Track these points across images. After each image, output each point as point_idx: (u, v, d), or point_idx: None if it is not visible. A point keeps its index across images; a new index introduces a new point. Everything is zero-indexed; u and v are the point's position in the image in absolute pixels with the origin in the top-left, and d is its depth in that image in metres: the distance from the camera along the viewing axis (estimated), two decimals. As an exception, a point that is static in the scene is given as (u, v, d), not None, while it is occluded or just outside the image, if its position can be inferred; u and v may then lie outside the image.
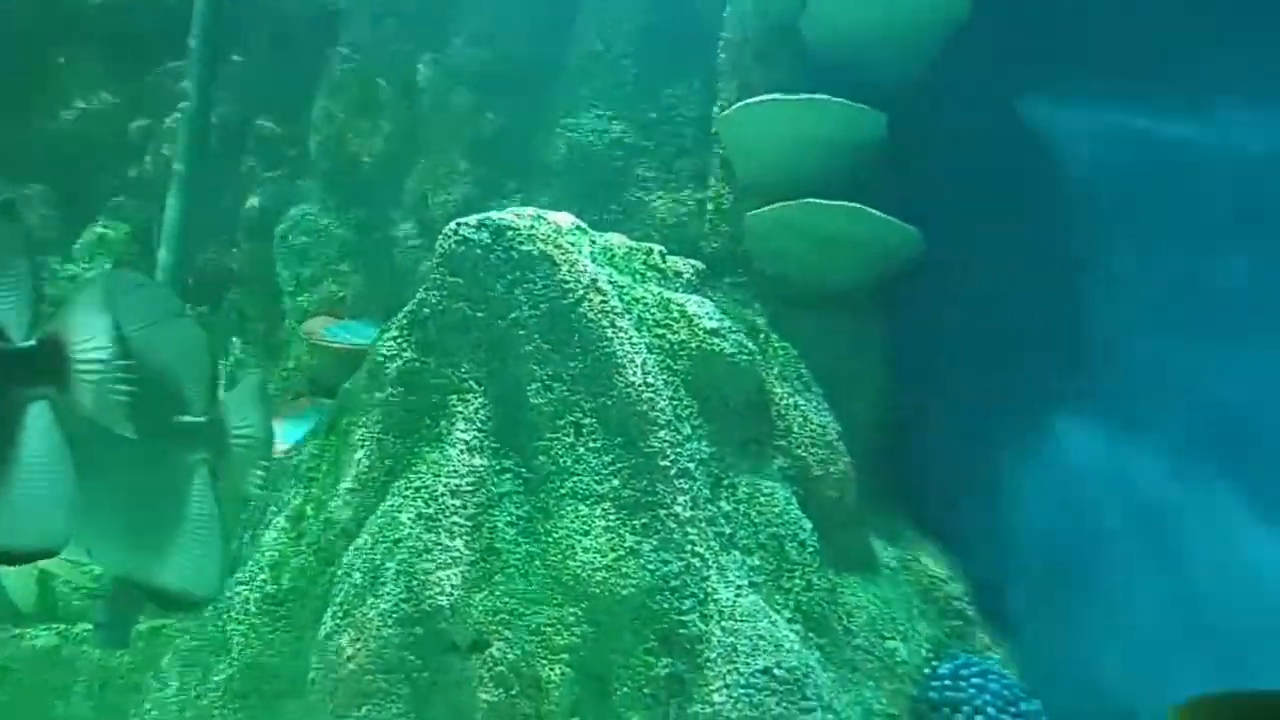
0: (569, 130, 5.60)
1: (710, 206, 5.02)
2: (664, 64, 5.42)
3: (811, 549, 4.01)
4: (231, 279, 6.42)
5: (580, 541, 3.72)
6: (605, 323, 3.90)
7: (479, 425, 3.94)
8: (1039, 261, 4.48)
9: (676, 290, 4.37)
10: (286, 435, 4.80)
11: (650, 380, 3.84)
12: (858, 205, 4.30)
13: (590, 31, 5.56)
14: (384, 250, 6.00)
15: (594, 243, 4.27)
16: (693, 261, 4.68)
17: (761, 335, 4.51)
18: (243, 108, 6.47)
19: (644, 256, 4.42)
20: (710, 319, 4.12)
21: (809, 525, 4.05)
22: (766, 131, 4.53)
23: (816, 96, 4.35)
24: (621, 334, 3.89)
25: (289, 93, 6.32)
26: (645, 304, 4.12)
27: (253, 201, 6.31)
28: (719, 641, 3.58)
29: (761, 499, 4.03)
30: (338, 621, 3.92)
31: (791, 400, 4.34)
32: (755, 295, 4.80)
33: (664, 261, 4.47)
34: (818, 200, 4.35)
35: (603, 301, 3.92)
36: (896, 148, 4.53)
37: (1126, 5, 4.26)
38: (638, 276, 4.32)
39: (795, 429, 4.27)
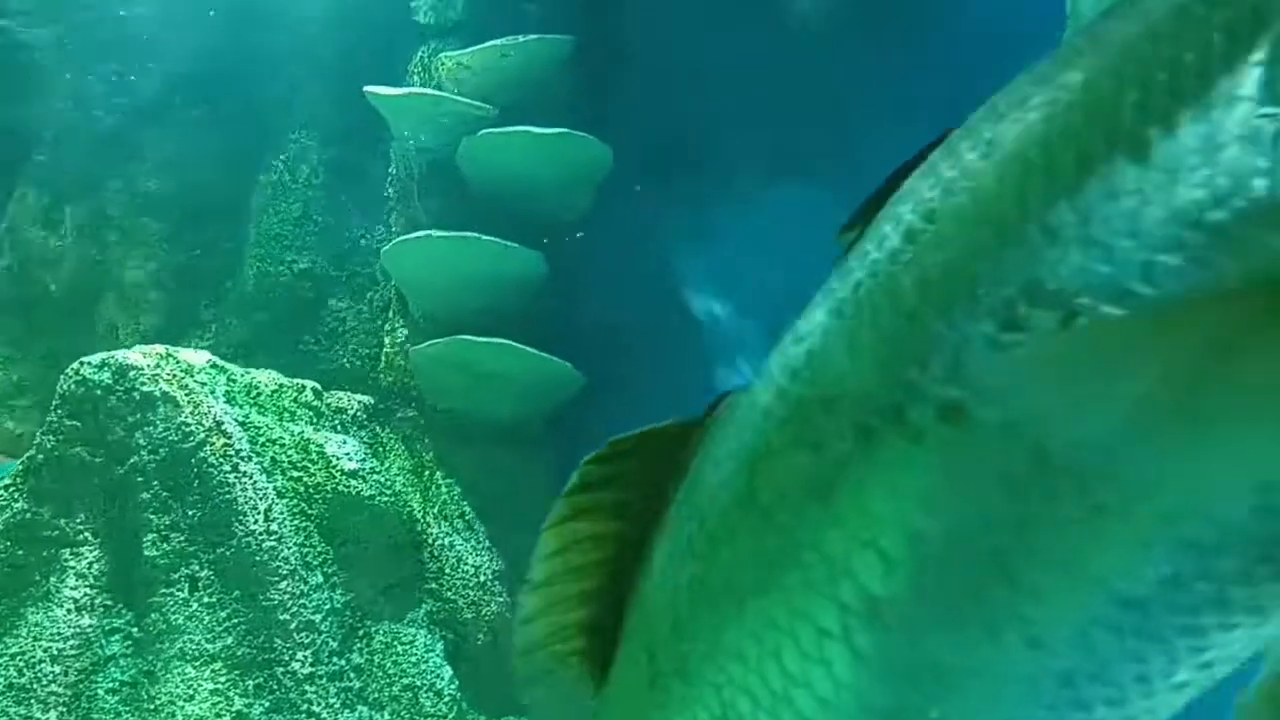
0: (259, 260, 5.47)
1: (386, 341, 4.93)
2: (353, 194, 5.35)
3: (449, 698, 3.87)
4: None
5: (183, 709, 3.50)
6: (228, 467, 3.74)
7: (91, 581, 3.72)
8: (701, 391, 4.49)
9: (332, 429, 4.25)
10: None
11: (274, 528, 3.69)
12: (507, 342, 4.26)
13: (278, 161, 5.47)
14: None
15: (233, 381, 4.12)
16: (360, 397, 4.56)
17: (426, 472, 4.41)
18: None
19: (295, 394, 4.29)
20: (351, 460, 4.00)
21: (449, 673, 3.92)
22: (426, 267, 4.48)
23: (467, 235, 4.32)
24: (245, 479, 3.74)
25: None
26: (282, 445, 3.97)
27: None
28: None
29: (400, 648, 3.89)
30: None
31: (448, 540, 4.23)
32: (425, 430, 4.69)
33: (319, 399, 4.35)
34: (469, 337, 4.29)
35: (226, 445, 3.77)
36: (559, 282, 4.52)
37: (745, 142, 4.35)
38: (285, 415, 4.18)
39: (448, 571, 4.16)
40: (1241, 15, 0.81)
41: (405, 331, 4.85)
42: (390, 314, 4.95)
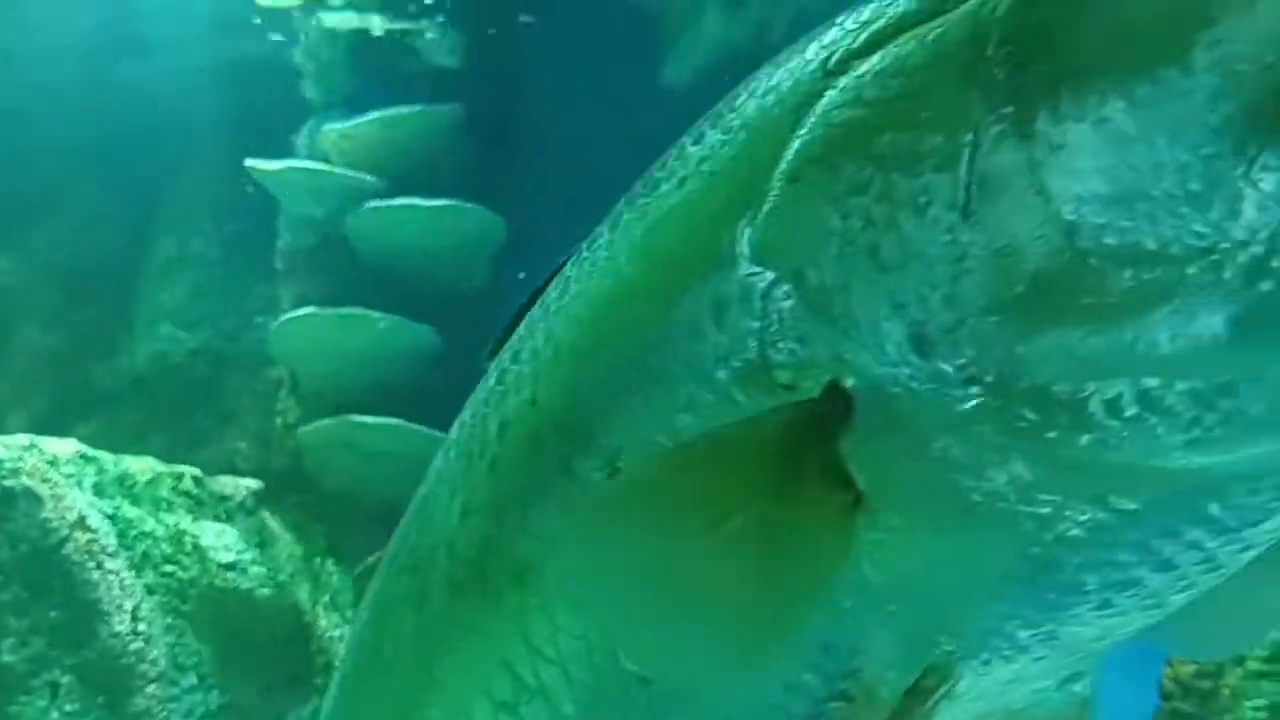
0: (151, 339, 5.30)
1: (278, 421, 4.75)
2: (246, 269, 5.19)
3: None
4: None
5: (39, 824, 3.28)
6: (92, 565, 3.54)
7: (-56, 689, 3.49)
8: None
9: (214, 518, 4.06)
10: None
11: (142, 628, 3.49)
12: (396, 420, 4.10)
13: (169, 236, 5.31)
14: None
15: (104, 471, 3.92)
16: (247, 482, 4.37)
17: (316, 560, 4.22)
18: None
19: (173, 482, 4.09)
20: (229, 552, 3.81)
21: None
22: (313, 346, 4.33)
23: (353, 310, 4.18)
24: (111, 576, 3.54)
25: None
26: (154, 539, 3.78)
27: None
28: None
29: (282, 748, 3.68)
30: None
31: (338, 632, 4.04)
32: (315, 515, 4.51)
33: (199, 486, 4.15)
34: (357, 417, 4.13)
35: (90, 541, 3.57)
36: (455, 356, 4.38)
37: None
38: (161, 506, 3.99)
39: (338, 664, 3.96)
40: (739, 177, 0.89)
41: (296, 412, 4.68)
42: (282, 393, 4.78)
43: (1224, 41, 0.72)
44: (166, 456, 4.43)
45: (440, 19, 4.54)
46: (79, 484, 3.73)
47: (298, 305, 4.54)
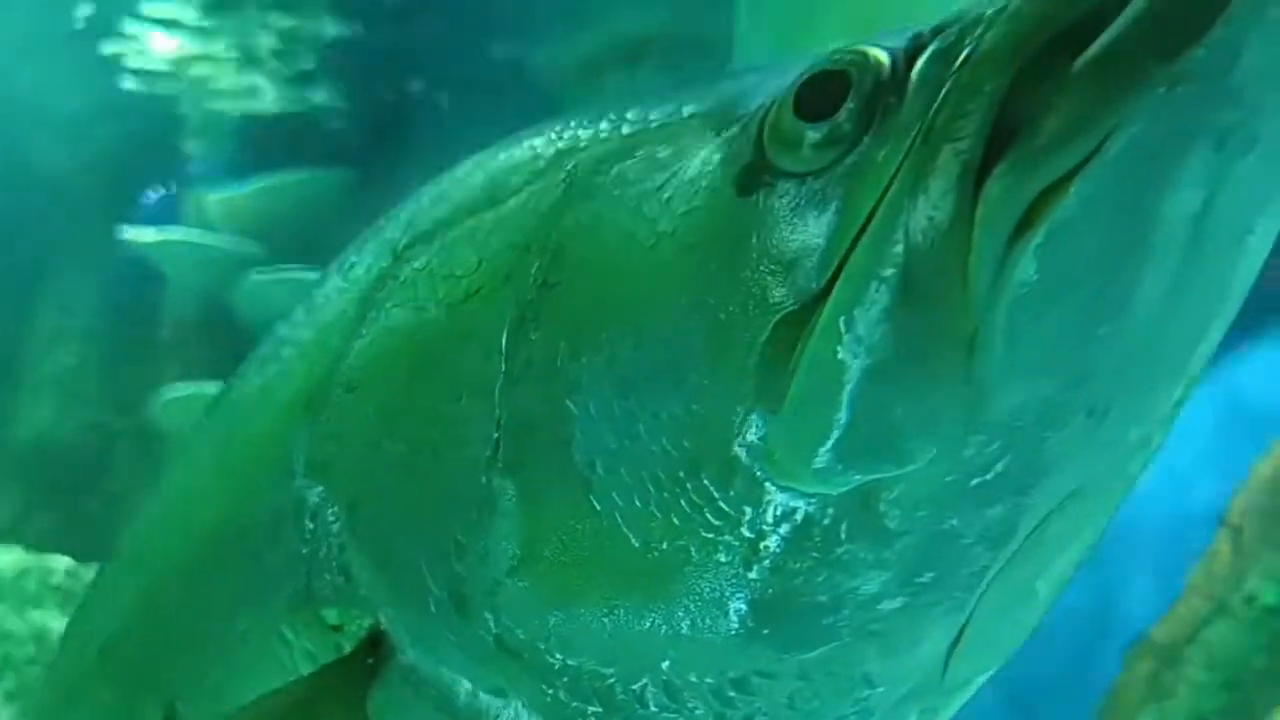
0: (36, 415, 5.03)
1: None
2: (133, 340, 4.95)
3: None
4: None
5: None
6: (-57, 672, 3.27)
7: None
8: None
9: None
10: None
11: (-3, 739, 3.22)
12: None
13: (52, 308, 5.06)
14: None
15: (-37, 568, 3.66)
16: (128, 570, 4.11)
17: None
18: None
19: (41, 577, 3.83)
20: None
21: None
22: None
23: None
24: (-37, 684, 3.27)
25: None
26: (16, 640, 3.51)
27: None
28: None
29: None
30: None
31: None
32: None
33: (73, 579, 3.89)
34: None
35: (-61, 647, 3.30)
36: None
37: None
38: (27, 602, 3.72)
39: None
40: (309, 370, 0.86)
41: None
42: (170, 472, 4.54)
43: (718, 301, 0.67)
44: (53, 539, 4.18)
45: (326, 83, 4.37)
46: (-68, 583, 3.47)
47: (184, 377, 4.31)
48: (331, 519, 0.78)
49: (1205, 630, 3.39)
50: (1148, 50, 0.59)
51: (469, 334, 0.74)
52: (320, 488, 0.78)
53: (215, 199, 4.27)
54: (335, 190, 4.23)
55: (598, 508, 0.69)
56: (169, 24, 4.25)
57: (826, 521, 0.66)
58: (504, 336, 0.73)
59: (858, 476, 0.64)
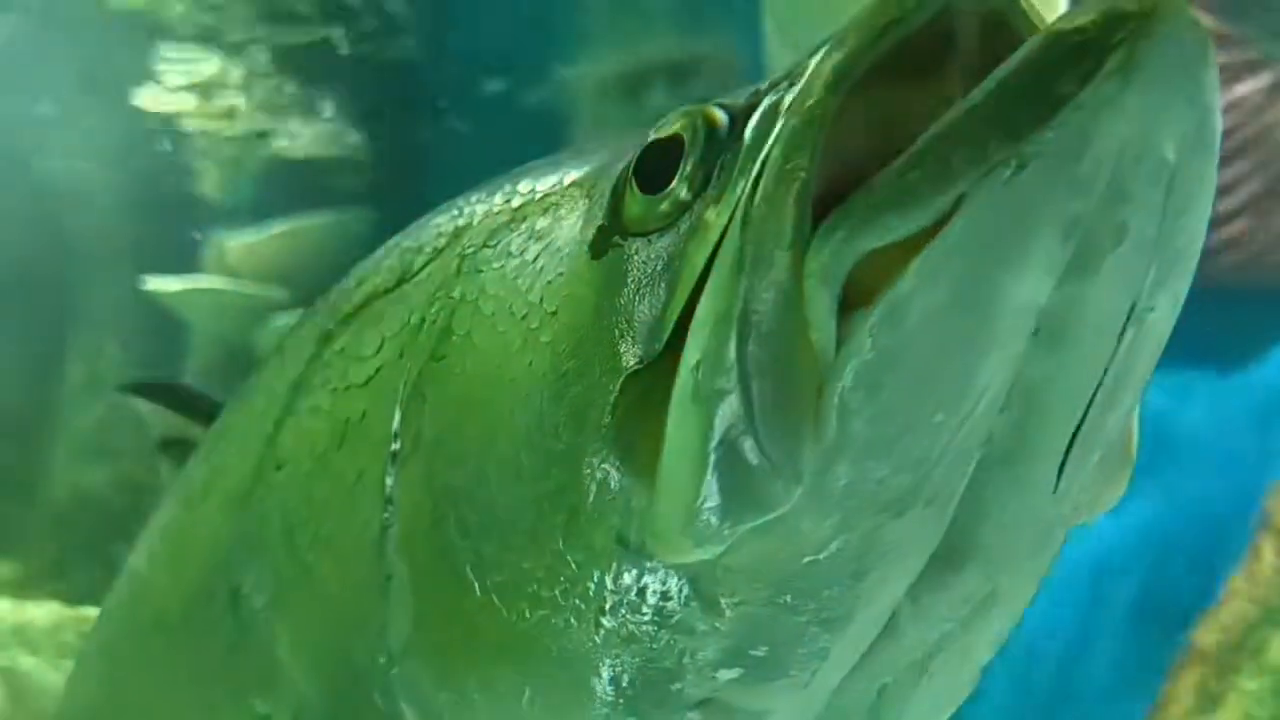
0: (66, 472, 5.07)
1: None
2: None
3: None
4: None
5: None
6: (-18, 729, 3.28)
7: None
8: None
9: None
10: None
11: (39, 794, 3.22)
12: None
13: (79, 364, 5.10)
14: None
15: None
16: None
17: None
18: None
19: (78, 629, 3.84)
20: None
21: None
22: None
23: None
24: (3, 740, 3.27)
25: None
26: (53, 693, 3.51)
27: None
28: None
29: None
30: None
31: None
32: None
33: (108, 630, 3.90)
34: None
35: (-22, 704, 3.31)
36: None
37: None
38: (65, 654, 3.73)
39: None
40: (247, 457, 0.91)
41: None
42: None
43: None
44: (88, 592, 4.20)
45: (345, 124, 4.40)
46: (-31, 639, 3.48)
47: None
48: (258, 602, 0.81)
49: (1253, 636, 3.33)
50: (994, 127, 0.57)
51: (370, 413, 0.77)
52: (250, 568, 0.81)
53: (235, 244, 4.29)
54: (357, 231, 4.25)
55: (473, 581, 0.70)
56: (187, 69, 4.30)
57: (665, 585, 0.66)
58: (397, 413, 0.75)
59: (729, 530, 0.64)
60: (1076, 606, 3.61)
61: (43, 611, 3.84)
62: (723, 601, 0.66)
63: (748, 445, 0.62)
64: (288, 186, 4.42)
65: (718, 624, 0.67)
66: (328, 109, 4.38)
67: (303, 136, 4.42)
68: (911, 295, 0.58)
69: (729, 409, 0.62)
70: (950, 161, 0.57)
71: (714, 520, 0.63)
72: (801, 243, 0.60)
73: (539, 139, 4.23)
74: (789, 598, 0.65)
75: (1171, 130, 0.57)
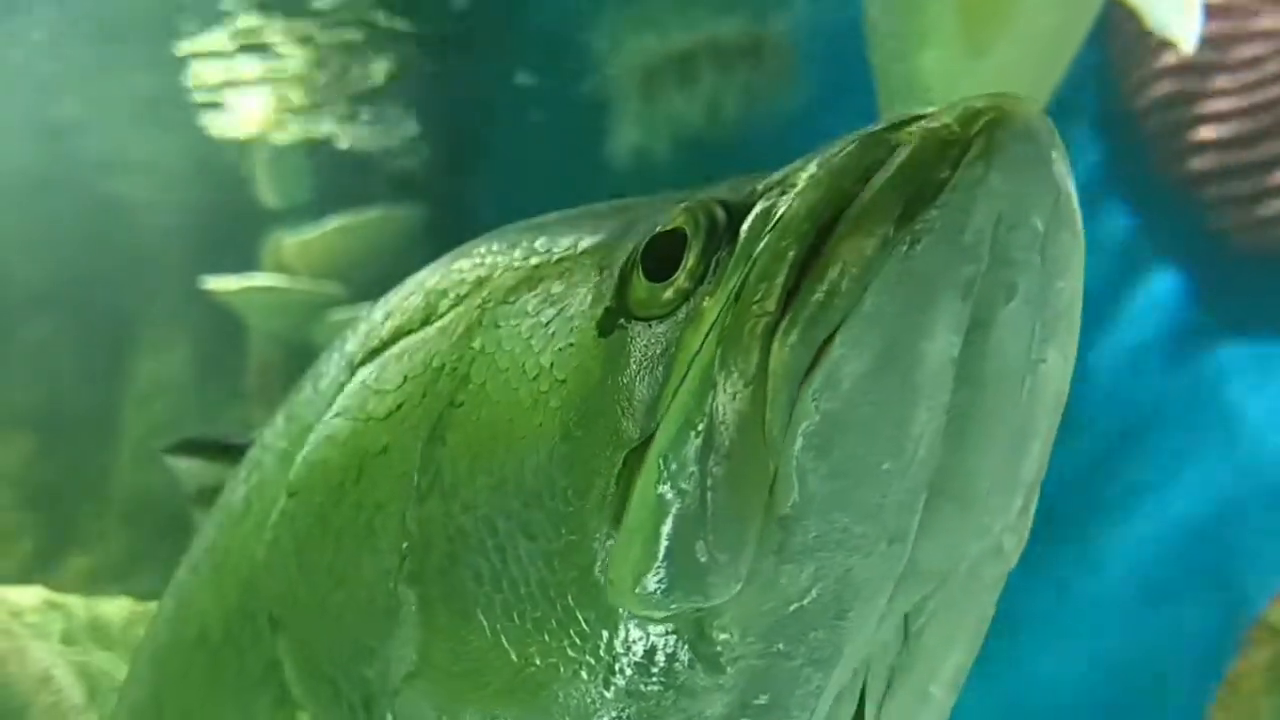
0: (134, 469, 5.15)
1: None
2: (221, 391, 5.05)
3: None
4: None
5: None
6: (59, 724, 3.33)
7: None
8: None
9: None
10: None
11: (115, 787, 3.27)
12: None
13: (143, 364, 5.18)
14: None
15: (73, 618, 3.73)
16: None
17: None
18: None
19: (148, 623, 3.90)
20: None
21: None
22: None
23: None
24: (80, 735, 3.33)
25: None
26: (127, 688, 3.57)
27: None
28: None
29: None
30: None
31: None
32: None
33: (178, 625, 3.96)
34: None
35: (54, 702, 3.37)
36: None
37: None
38: (137, 650, 3.79)
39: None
40: (274, 482, 0.94)
41: (281, 534, 4.51)
42: (265, 516, 4.61)
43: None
44: (158, 588, 4.26)
45: (397, 119, 4.41)
46: (44, 636, 3.54)
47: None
48: (273, 625, 0.85)
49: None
50: (891, 214, 0.67)
51: (391, 447, 0.82)
52: (269, 592, 0.85)
53: (291, 241, 4.33)
54: (410, 226, 4.28)
55: (483, 621, 0.75)
56: (240, 64, 4.34)
57: (668, 646, 0.72)
58: (418, 452, 0.80)
59: (674, 605, 0.70)
60: (1145, 582, 3.56)
61: (115, 607, 3.88)
62: (723, 659, 0.71)
63: (698, 545, 0.69)
64: (339, 183, 4.46)
65: (720, 680, 0.72)
66: (379, 106, 4.41)
67: (353, 134, 4.45)
68: (841, 363, 0.67)
69: (687, 509, 0.69)
70: (863, 247, 0.67)
71: (659, 594, 0.70)
72: (764, 368, 0.68)
73: (589, 131, 4.24)
74: (782, 644, 0.71)
75: (1035, 202, 0.67)
